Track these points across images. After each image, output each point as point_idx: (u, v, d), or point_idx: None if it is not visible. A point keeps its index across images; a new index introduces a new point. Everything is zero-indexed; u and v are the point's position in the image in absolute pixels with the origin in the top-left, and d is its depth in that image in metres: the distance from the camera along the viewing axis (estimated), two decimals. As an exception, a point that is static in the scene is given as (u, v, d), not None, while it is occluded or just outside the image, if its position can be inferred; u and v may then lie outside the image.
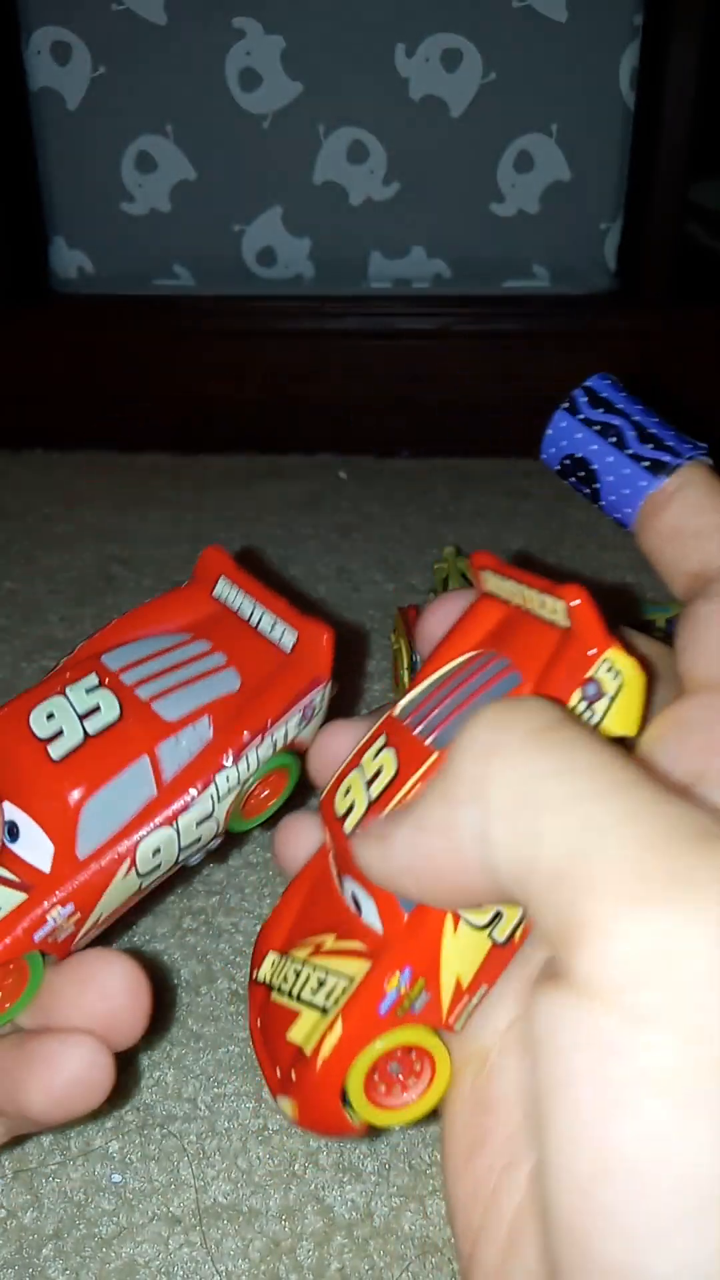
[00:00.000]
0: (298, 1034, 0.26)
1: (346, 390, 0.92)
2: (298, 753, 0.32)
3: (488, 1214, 0.23)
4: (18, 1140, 0.38)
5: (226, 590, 0.33)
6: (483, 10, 0.82)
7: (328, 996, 0.26)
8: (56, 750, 0.28)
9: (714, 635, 0.25)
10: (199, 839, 0.30)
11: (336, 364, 0.91)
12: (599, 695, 0.24)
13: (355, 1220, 0.36)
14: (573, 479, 0.30)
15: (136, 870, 0.29)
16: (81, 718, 0.29)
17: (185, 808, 0.29)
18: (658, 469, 0.28)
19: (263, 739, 0.30)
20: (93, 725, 0.29)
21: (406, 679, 0.60)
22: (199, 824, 0.30)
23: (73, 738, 0.29)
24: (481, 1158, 0.24)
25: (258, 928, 0.48)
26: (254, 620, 0.33)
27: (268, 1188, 0.37)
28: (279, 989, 0.27)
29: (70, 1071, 0.27)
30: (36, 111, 0.87)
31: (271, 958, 0.28)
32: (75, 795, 0.28)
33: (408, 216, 0.89)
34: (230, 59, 0.84)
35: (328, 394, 0.92)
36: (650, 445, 0.28)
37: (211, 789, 0.29)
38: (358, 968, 0.25)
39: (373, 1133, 0.32)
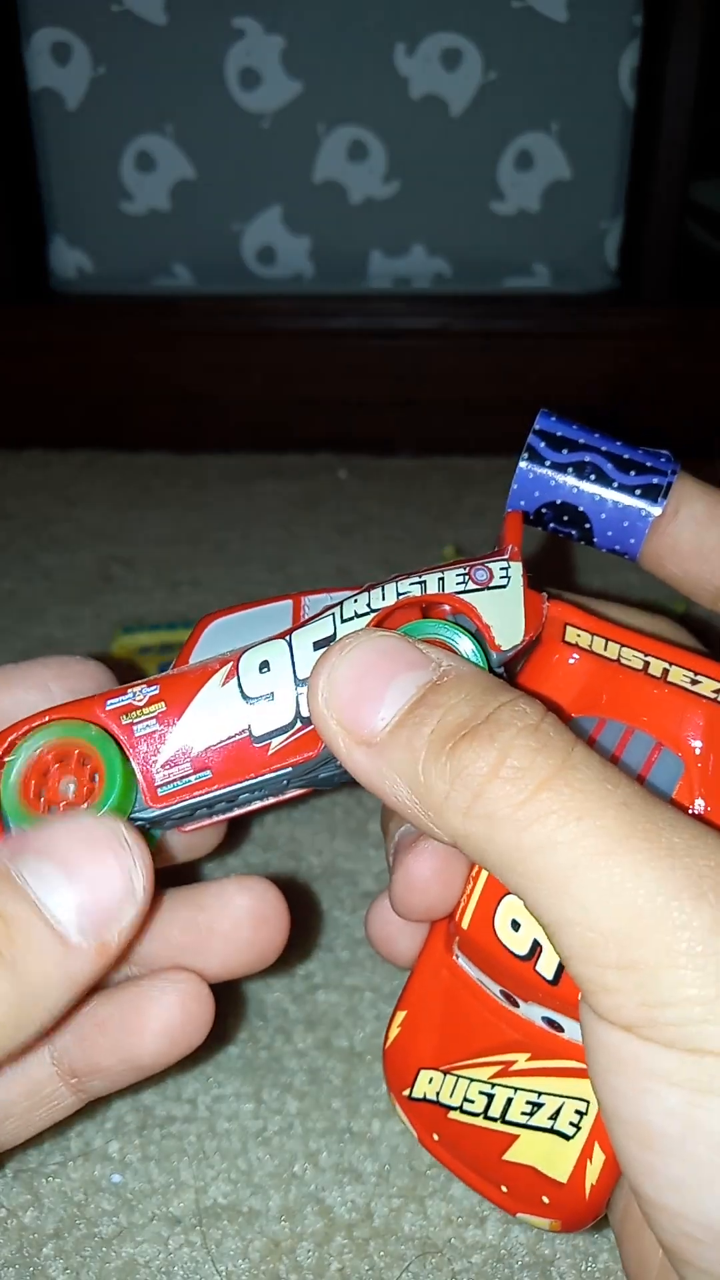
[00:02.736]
0: (530, 1157, 0.27)
1: (346, 389, 0.92)
2: (464, 625, 0.28)
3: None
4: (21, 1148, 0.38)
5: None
6: (483, 9, 0.82)
7: (559, 1119, 0.26)
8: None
9: None
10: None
11: (336, 363, 0.91)
12: None
13: (355, 1221, 0.36)
14: (553, 525, 0.30)
15: (239, 685, 0.27)
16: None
17: (304, 624, 0.28)
18: (653, 494, 0.28)
19: (408, 578, 0.28)
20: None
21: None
22: (316, 646, 0.28)
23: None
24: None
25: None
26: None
27: (268, 1188, 0.37)
28: (463, 1109, 0.28)
29: (180, 1008, 0.29)
30: (36, 111, 0.87)
31: (430, 1075, 0.29)
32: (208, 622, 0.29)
33: (408, 215, 0.89)
34: (230, 58, 0.84)
35: (327, 393, 0.92)
36: (633, 472, 0.28)
37: (336, 610, 0.28)
38: (586, 1087, 0.26)
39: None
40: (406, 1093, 0.29)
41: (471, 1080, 0.28)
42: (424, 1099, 0.28)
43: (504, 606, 0.27)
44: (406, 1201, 0.37)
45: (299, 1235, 0.36)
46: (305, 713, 0.27)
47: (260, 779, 0.28)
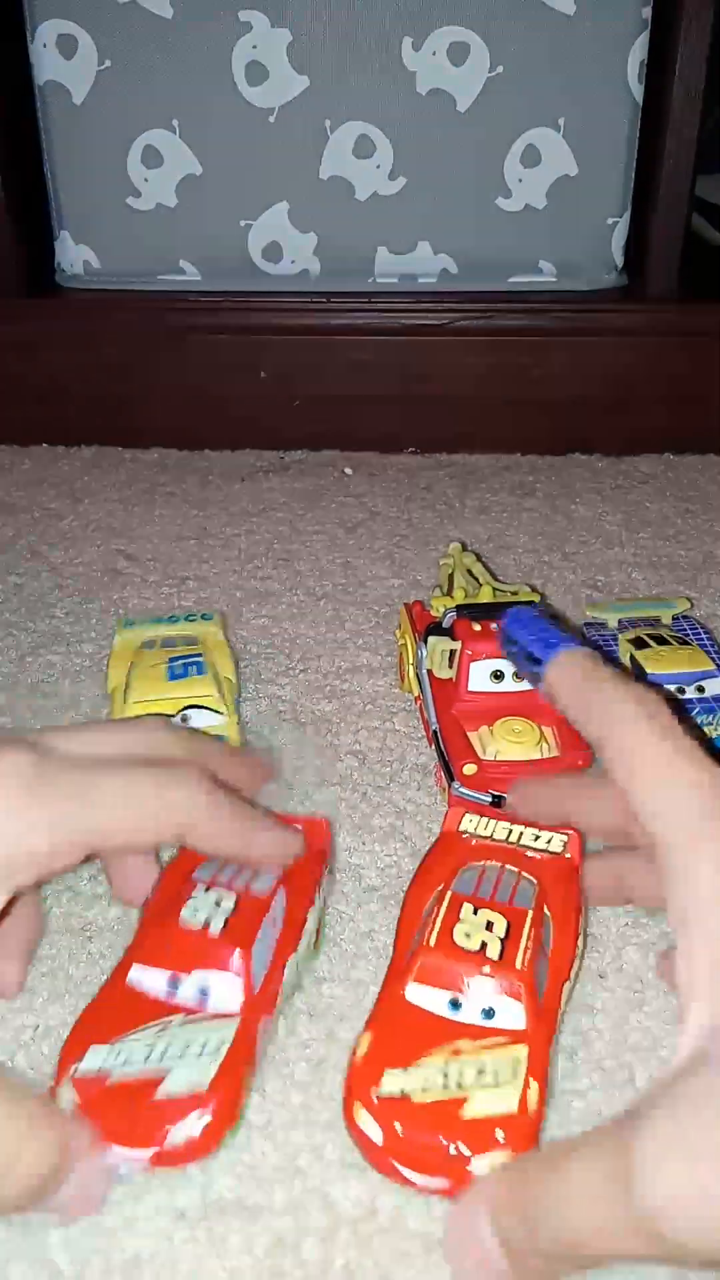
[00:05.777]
0: (483, 1106, 0.35)
1: (352, 386, 0.92)
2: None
3: None
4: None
5: None
6: (490, 3, 0.82)
7: (500, 1073, 0.36)
8: (214, 929, 0.40)
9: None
10: (297, 969, 0.43)
11: (342, 360, 0.91)
12: None
13: (360, 1216, 0.37)
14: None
15: (283, 992, 0.41)
16: (216, 905, 0.41)
17: (298, 940, 0.42)
18: (535, 680, 0.43)
19: (316, 894, 0.44)
20: (225, 909, 0.40)
21: (412, 675, 0.60)
22: (301, 962, 0.42)
23: (219, 920, 0.40)
24: None
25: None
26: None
27: (272, 1183, 0.37)
28: (424, 1089, 0.36)
29: None
30: (43, 105, 0.87)
31: (393, 1072, 0.36)
32: (238, 956, 0.39)
33: (414, 212, 0.89)
34: (236, 52, 0.84)
35: (333, 390, 0.92)
36: (532, 663, 0.43)
37: (309, 924, 0.43)
38: (520, 1050, 0.37)
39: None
40: (375, 1090, 0.36)
41: (429, 1067, 0.36)
42: (390, 1094, 0.36)
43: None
44: (412, 1197, 0.37)
45: (303, 1230, 0.36)
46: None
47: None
